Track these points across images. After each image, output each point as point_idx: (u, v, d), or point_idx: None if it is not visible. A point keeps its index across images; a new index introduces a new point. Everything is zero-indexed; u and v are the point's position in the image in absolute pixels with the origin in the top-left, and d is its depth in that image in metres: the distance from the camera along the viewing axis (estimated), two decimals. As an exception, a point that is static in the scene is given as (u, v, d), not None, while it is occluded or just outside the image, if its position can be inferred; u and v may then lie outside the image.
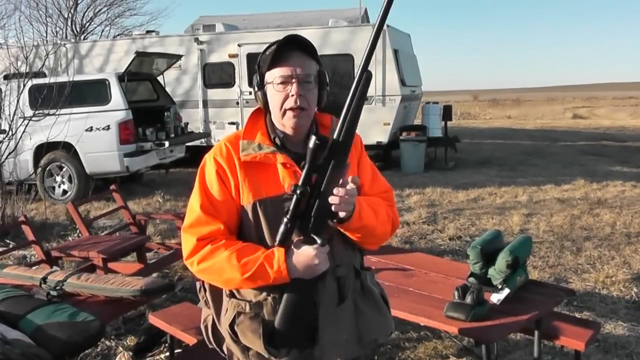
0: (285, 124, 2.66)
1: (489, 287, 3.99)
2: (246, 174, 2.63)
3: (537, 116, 47.73)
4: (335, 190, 2.46)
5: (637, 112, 51.73)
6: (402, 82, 16.45)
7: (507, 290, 3.87)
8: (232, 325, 2.65)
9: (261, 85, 2.68)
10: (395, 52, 16.08)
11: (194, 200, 2.67)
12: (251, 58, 17.06)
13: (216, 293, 2.78)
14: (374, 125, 16.26)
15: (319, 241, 2.48)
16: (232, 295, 2.70)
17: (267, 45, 2.67)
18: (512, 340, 5.68)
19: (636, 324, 6.21)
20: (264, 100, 2.68)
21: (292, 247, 2.52)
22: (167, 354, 5.26)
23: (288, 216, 2.50)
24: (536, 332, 4.08)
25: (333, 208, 2.47)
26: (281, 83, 2.61)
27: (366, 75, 2.65)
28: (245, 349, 2.67)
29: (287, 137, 2.71)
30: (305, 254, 2.49)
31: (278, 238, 2.52)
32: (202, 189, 2.67)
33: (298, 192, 2.47)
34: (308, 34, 16.85)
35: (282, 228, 2.51)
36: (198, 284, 2.89)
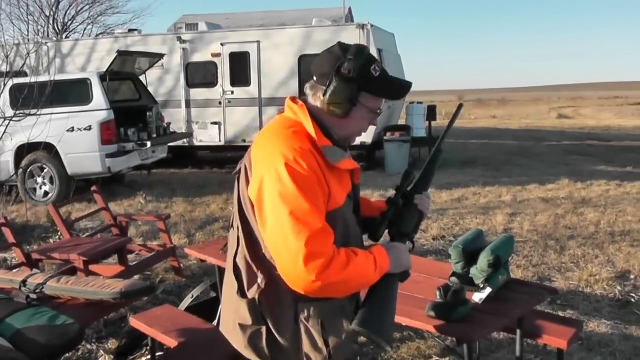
0: (345, 143, 2.75)
1: (471, 286, 3.96)
2: (331, 180, 2.57)
3: (522, 116, 47.91)
4: (425, 198, 2.97)
5: (622, 112, 52.00)
6: (387, 82, 16.40)
7: (489, 290, 3.85)
8: (323, 326, 2.65)
9: (356, 101, 2.65)
10: (380, 51, 16.07)
11: (307, 215, 2.43)
12: (234, 57, 17.10)
13: (278, 305, 2.63)
14: (358, 126, 16.25)
15: (407, 242, 2.90)
16: (309, 300, 2.60)
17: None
18: (495, 340, 5.67)
19: (620, 322, 6.22)
20: (347, 112, 2.66)
21: (385, 245, 2.73)
22: (149, 357, 5.22)
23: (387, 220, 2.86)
24: (518, 331, 4.05)
25: (424, 211, 2.96)
26: (376, 113, 2.74)
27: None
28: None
29: (340, 140, 2.72)
30: (400, 250, 2.79)
31: (377, 237, 2.84)
32: (309, 199, 2.45)
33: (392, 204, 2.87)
34: (292, 33, 16.94)
35: (381, 229, 2.86)
36: (251, 300, 2.63)
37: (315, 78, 2.70)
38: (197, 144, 17.75)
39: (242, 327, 2.66)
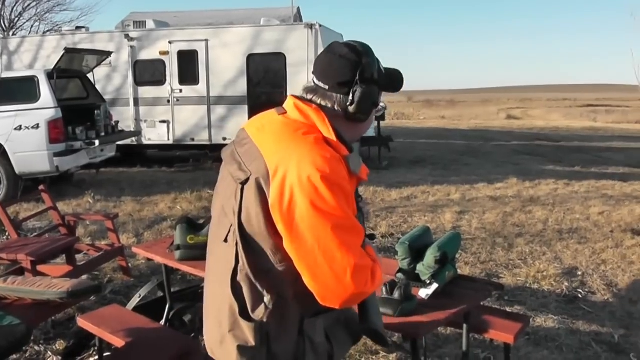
0: (355, 137, 2.61)
1: (417, 282, 3.98)
2: (353, 189, 2.44)
3: (471, 117, 48.38)
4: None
5: (571, 113, 52.76)
6: (335, 82, 16.48)
7: (435, 286, 3.87)
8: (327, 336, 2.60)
9: (378, 103, 2.57)
10: (328, 51, 16.11)
11: (350, 229, 2.32)
12: (182, 55, 17.05)
13: (284, 324, 2.46)
14: (307, 125, 16.31)
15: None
16: (315, 314, 2.52)
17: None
18: (442, 335, 5.72)
19: (566, 317, 6.31)
20: (368, 115, 2.57)
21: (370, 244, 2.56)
22: (97, 357, 5.16)
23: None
24: (465, 326, 4.08)
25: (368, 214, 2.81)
26: (378, 110, 2.63)
27: None
28: None
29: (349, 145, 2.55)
30: (373, 248, 2.52)
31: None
32: (348, 212, 2.32)
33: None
34: (240, 32, 16.90)
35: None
36: (258, 322, 2.42)
37: (327, 86, 2.49)
38: (145, 142, 17.64)
39: (242, 349, 2.43)
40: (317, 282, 2.31)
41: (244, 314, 2.42)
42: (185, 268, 4.83)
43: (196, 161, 17.81)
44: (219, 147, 13.55)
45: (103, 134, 13.54)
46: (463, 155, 20.52)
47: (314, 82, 2.54)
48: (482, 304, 4.93)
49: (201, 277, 5.20)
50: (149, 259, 6.10)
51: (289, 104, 2.52)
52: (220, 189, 2.61)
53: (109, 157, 14.33)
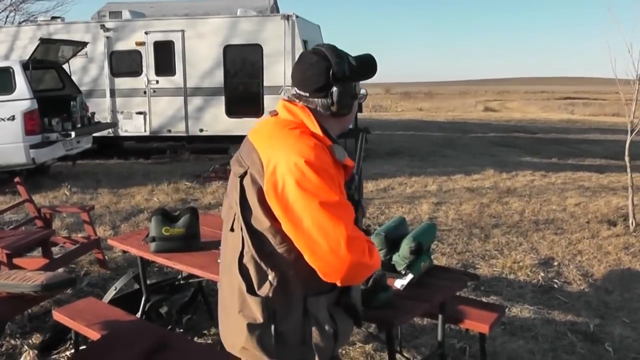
0: (343, 128, 2.88)
1: (393, 273, 3.98)
2: (339, 176, 2.65)
3: (448, 109, 48.47)
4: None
5: (548, 106, 53.00)
6: (312, 73, 16.48)
7: (410, 276, 3.87)
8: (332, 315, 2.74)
9: (356, 95, 2.79)
10: (305, 42, 16.09)
11: (338, 204, 2.53)
12: (158, 46, 16.98)
13: (288, 302, 2.67)
14: (284, 115, 16.34)
15: None
16: (318, 294, 2.70)
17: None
18: (418, 326, 5.74)
19: (542, 307, 6.36)
20: (351, 108, 2.80)
21: None
22: (73, 351, 5.13)
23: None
24: (440, 316, 4.09)
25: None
26: (360, 98, 2.87)
27: None
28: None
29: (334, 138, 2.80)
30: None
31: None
32: (335, 190, 2.54)
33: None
34: (216, 23, 16.84)
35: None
36: (264, 298, 2.63)
37: (307, 94, 2.73)
38: (122, 134, 17.55)
39: (252, 326, 2.64)
40: (317, 258, 2.52)
41: (251, 290, 2.64)
42: (160, 260, 4.81)
43: (173, 153, 17.76)
44: (196, 139, 13.47)
45: (79, 125, 13.50)
46: (440, 146, 20.58)
47: (295, 91, 2.78)
48: (458, 294, 4.96)
49: (177, 269, 5.20)
50: (125, 252, 6.07)
51: (279, 106, 2.80)
52: (228, 189, 2.85)
53: (86, 149, 14.28)
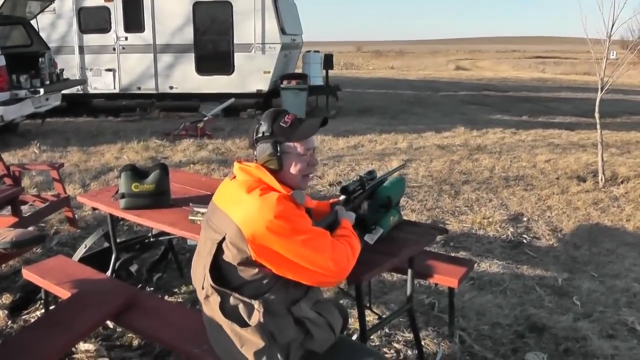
0: (301, 185, 3.15)
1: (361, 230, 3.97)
2: (305, 215, 3.08)
3: (420, 67, 48.47)
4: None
5: (519, 65, 53.09)
6: (282, 31, 16.49)
7: (380, 231, 3.85)
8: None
9: (280, 152, 3.08)
10: (275, 0, 16.01)
11: (315, 236, 2.96)
12: (127, 2, 16.80)
13: (278, 318, 2.99)
14: (254, 74, 16.34)
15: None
16: (297, 300, 3.09)
17: None
18: (388, 281, 5.77)
19: (511, 262, 6.41)
20: (280, 164, 3.08)
21: (344, 215, 3.49)
22: (43, 310, 5.10)
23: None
24: (409, 271, 4.09)
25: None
26: (304, 155, 3.13)
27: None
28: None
29: (295, 186, 3.14)
30: (349, 220, 3.52)
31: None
32: (307, 225, 2.99)
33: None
34: (187, -21, 16.65)
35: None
36: (257, 325, 2.95)
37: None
38: (91, 91, 17.45)
39: (258, 353, 2.94)
40: (315, 282, 3.01)
41: (244, 324, 2.95)
42: (130, 217, 4.77)
43: (143, 110, 17.64)
44: (166, 96, 13.32)
45: (48, 82, 13.34)
46: (411, 105, 20.60)
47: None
48: (427, 249, 4.98)
49: (147, 227, 5.18)
50: (95, 209, 6.03)
51: (235, 169, 3.13)
52: (201, 250, 3.13)
53: (55, 107, 14.12)
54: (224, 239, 2.93)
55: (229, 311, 2.97)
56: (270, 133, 3.09)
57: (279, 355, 2.96)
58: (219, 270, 2.98)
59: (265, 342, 2.93)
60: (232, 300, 2.97)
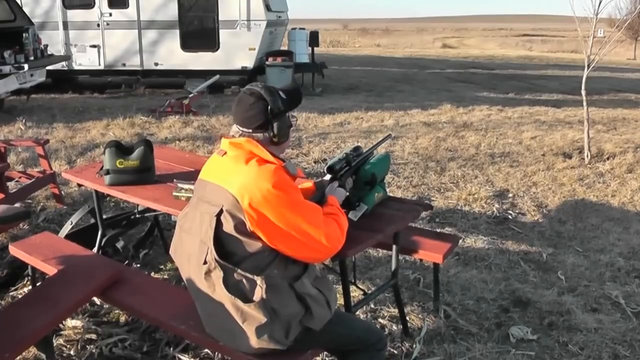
0: (282, 150, 3.30)
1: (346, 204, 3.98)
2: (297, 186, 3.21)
3: (406, 45, 48.43)
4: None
5: (506, 43, 53.17)
6: (267, 7, 16.43)
7: (364, 207, 3.86)
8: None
9: (291, 124, 3.29)
10: (260, -24, 15.99)
11: (310, 210, 3.08)
12: None
13: (280, 294, 3.03)
14: (239, 50, 16.28)
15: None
16: (299, 276, 3.12)
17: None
18: (374, 257, 5.79)
19: (496, 237, 6.45)
20: (288, 135, 3.29)
21: (333, 193, 3.62)
22: (30, 287, 5.10)
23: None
24: (394, 247, 4.11)
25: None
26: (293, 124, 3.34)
27: None
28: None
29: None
30: (339, 191, 3.72)
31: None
32: (302, 199, 3.09)
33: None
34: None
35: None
36: (260, 300, 2.98)
37: (250, 130, 3.15)
38: (76, 67, 17.30)
39: (260, 328, 2.99)
40: (306, 257, 3.10)
41: (247, 300, 2.98)
42: (115, 193, 4.77)
43: (128, 87, 17.56)
44: (151, 73, 13.24)
45: (32, 58, 13.23)
46: (397, 82, 20.58)
47: (238, 129, 3.19)
48: (412, 225, 5.00)
49: (132, 203, 5.18)
50: (81, 185, 6.01)
51: (224, 144, 3.18)
52: (193, 227, 3.16)
53: (39, 83, 14.00)
54: (221, 211, 2.98)
55: (232, 286, 2.99)
56: (284, 106, 3.19)
57: (280, 331, 3.01)
58: (222, 246, 3.00)
59: (267, 317, 2.97)
60: (236, 276, 2.99)
